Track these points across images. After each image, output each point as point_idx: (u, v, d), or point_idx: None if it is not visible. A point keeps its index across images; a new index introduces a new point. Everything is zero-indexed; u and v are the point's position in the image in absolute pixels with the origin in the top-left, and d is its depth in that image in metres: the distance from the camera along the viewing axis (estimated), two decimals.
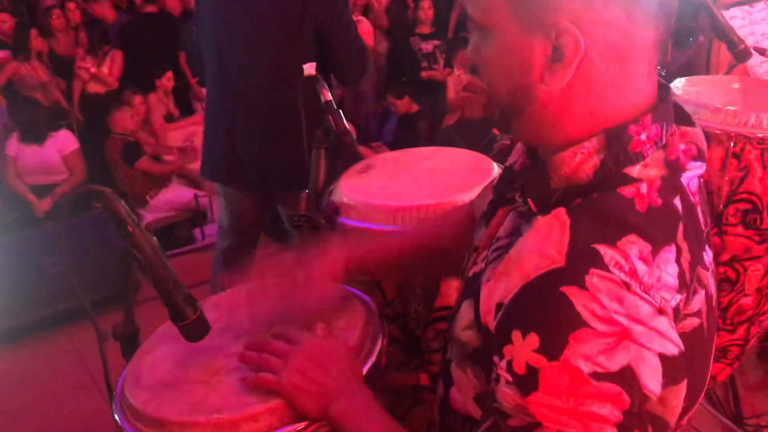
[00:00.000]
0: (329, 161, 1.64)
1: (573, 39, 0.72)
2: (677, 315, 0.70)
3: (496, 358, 0.72)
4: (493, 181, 1.06)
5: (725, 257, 1.96)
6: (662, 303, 0.69)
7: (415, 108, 5.61)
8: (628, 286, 0.68)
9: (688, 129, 0.81)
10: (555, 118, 0.77)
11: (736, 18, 2.55)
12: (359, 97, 6.52)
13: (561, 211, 0.74)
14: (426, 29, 6.25)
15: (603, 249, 0.69)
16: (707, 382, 0.79)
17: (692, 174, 0.78)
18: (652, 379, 0.68)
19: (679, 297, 0.70)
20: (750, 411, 2.50)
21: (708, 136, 1.84)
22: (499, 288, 0.75)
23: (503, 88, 0.80)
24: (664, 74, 2.16)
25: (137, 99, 4.89)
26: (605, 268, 0.68)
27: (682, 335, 0.70)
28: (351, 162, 1.67)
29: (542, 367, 0.67)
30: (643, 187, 0.73)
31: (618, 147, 0.74)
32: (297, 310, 1.10)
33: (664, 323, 0.69)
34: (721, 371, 2.16)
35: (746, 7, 2.62)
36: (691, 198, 0.77)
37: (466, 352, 0.81)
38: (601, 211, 0.72)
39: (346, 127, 1.64)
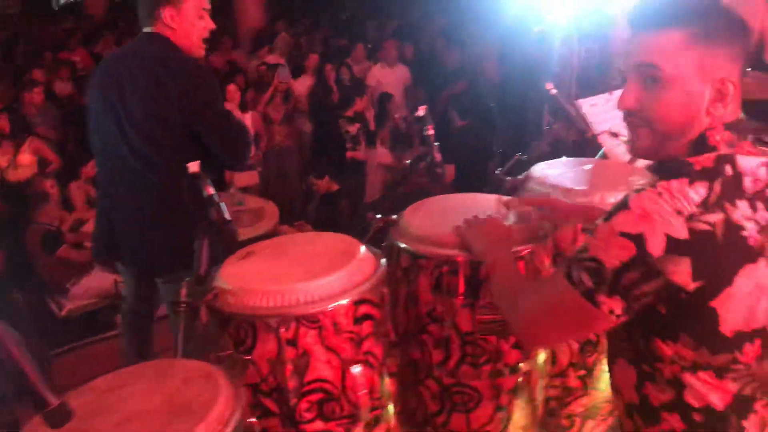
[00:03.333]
0: (213, 250, 1.79)
1: (727, 87, 1.17)
2: (692, 217, 1.11)
3: None
4: None
5: None
6: (681, 207, 1.12)
7: (335, 187, 5.84)
8: (660, 195, 1.13)
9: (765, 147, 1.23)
10: (683, 133, 1.22)
11: (597, 105, 2.87)
12: (283, 176, 6.73)
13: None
14: (350, 113, 6.57)
15: (660, 183, 1.15)
16: (730, 284, 1.13)
17: (754, 161, 1.18)
18: (655, 246, 1.11)
19: (697, 209, 1.12)
20: None
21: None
22: None
23: (677, 121, 1.21)
24: (525, 158, 2.44)
25: (48, 183, 4.96)
26: (654, 188, 1.15)
27: (692, 230, 1.11)
28: (233, 250, 1.83)
29: (600, 225, 1.18)
30: (704, 159, 1.17)
31: (701, 143, 1.20)
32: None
33: (678, 219, 1.11)
34: (596, 428, 2.35)
35: (606, 95, 2.95)
36: (743, 171, 1.17)
37: None
38: (674, 170, 1.18)
39: (227, 218, 1.80)
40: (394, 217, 2.00)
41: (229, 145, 2.56)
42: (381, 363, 1.74)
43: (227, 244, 1.81)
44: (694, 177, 1.15)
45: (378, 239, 2.11)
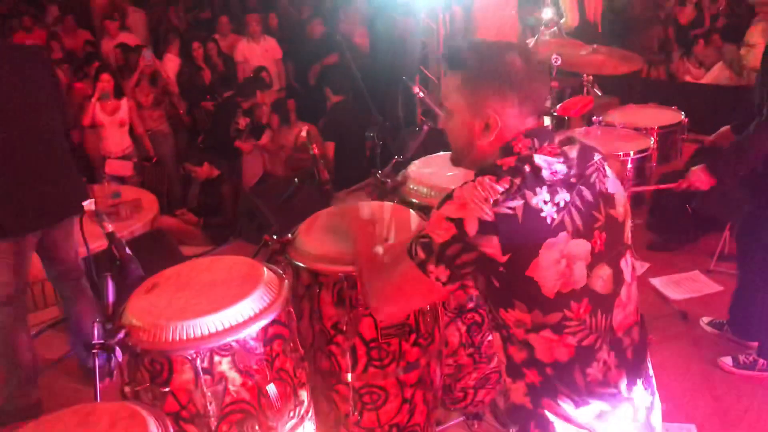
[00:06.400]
0: (117, 286, 1.83)
1: (495, 121, 1.48)
2: (497, 203, 1.38)
3: None
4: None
5: (471, 305, 2.41)
6: (488, 196, 1.38)
7: (215, 173, 5.77)
8: (475, 187, 1.40)
9: (566, 147, 1.51)
10: (483, 149, 1.52)
11: None
12: (159, 162, 6.56)
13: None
14: (247, 105, 6.48)
15: (477, 178, 1.43)
16: (536, 255, 1.40)
17: (549, 160, 1.45)
18: (471, 227, 1.38)
19: (501, 197, 1.38)
20: None
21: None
22: None
23: (460, 142, 1.56)
24: (401, 158, 2.60)
25: None
26: (472, 182, 1.42)
27: (497, 214, 1.37)
28: (137, 285, 1.87)
29: (433, 211, 1.45)
30: (509, 160, 1.44)
31: (507, 149, 1.49)
32: None
33: (486, 205, 1.37)
34: (487, 395, 2.60)
35: None
36: (540, 166, 1.43)
37: None
38: (488, 170, 1.44)
39: (129, 254, 1.84)
40: (290, 236, 2.09)
41: None
42: (293, 377, 1.87)
43: (131, 282, 1.85)
44: (500, 174, 1.42)
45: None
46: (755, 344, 3.37)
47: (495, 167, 1.44)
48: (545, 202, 1.41)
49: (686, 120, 3.61)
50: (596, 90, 3.65)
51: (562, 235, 1.41)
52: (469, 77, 1.51)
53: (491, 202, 1.38)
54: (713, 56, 7.32)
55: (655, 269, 4.22)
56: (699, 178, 3.07)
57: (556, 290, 1.42)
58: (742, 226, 3.44)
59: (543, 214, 1.40)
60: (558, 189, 1.43)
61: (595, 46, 3.83)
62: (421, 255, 1.44)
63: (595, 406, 1.49)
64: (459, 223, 1.39)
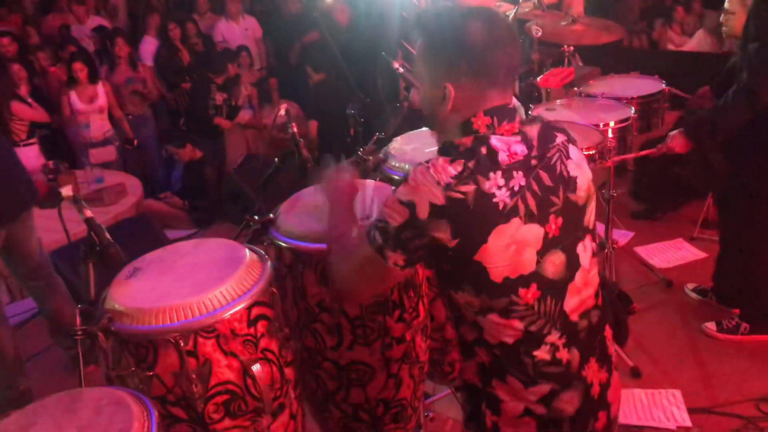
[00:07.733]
0: (98, 271, 1.82)
1: (449, 92, 1.45)
2: (448, 186, 1.37)
3: None
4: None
5: None
6: (440, 179, 1.38)
7: (198, 154, 5.73)
8: (428, 169, 1.40)
9: (526, 126, 1.50)
10: (445, 121, 1.50)
11: None
12: (141, 146, 6.50)
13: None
14: (221, 80, 6.38)
15: (432, 159, 1.43)
16: (485, 241, 1.39)
17: (508, 140, 1.45)
18: (421, 210, 1.38)
19: (452, 180, 1.37)
20: None
21: None
22: None
23: (427, 110, 1.55)
24: (383, 136, 2.59)
25: None
26: (427, 164, 1.42)
27: (448, 197, 1.37)
28: (118, 270, 1.86)
29: (389, 196, 1.46)
30: (466, 141, 1.44)
31: (466, 126, 1.47)
32: None
33: (437, 189, 1.37)
34: None
35: None
36: (497, 149, 1.42)
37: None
38: (446, 149, 1.46)
39: (109, 239, 1.83)
40: (272, 216, 2.08)
41: None
42: (278, 356, 1.87)
43: (112, 266, 1.84)
44: (455, 156, 1.41)
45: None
46: (738, 310, 3.42)
47: (452, 147, 1.45)
48: (499, 187, 1.39)
49: (667, 89, 3.62)
50: (577, 60, 3.64)
51: (515, 220, 1.41)
52: (428, 45, 1.50)
53: (443, 185, 1.38)
54: (695, 23, 7.32)
55: (639, 238, 4.26)
56: (677, 142, 3.09)
57: (503, 275, 1.42)
58: (723, 192, 3.47)
59: (495, 200, 1.39)
60: (514, 173, 1.42)
61: (575, 15, 3.82)
62: (379, 240, 1.44)
63: (544, 386, 1.49)
64: (411, 206, 1.39)
